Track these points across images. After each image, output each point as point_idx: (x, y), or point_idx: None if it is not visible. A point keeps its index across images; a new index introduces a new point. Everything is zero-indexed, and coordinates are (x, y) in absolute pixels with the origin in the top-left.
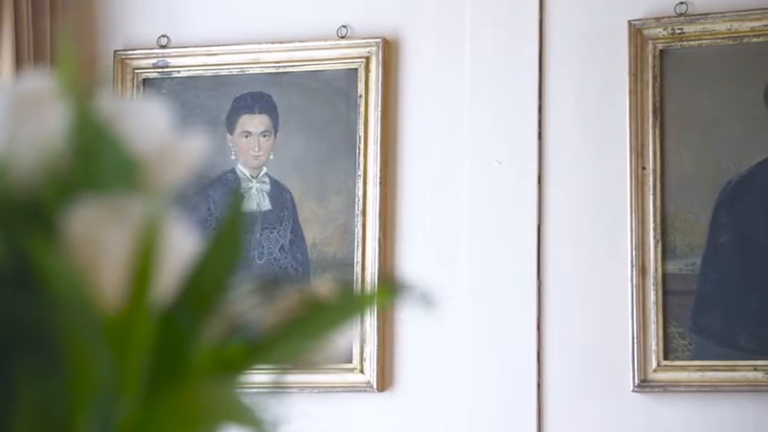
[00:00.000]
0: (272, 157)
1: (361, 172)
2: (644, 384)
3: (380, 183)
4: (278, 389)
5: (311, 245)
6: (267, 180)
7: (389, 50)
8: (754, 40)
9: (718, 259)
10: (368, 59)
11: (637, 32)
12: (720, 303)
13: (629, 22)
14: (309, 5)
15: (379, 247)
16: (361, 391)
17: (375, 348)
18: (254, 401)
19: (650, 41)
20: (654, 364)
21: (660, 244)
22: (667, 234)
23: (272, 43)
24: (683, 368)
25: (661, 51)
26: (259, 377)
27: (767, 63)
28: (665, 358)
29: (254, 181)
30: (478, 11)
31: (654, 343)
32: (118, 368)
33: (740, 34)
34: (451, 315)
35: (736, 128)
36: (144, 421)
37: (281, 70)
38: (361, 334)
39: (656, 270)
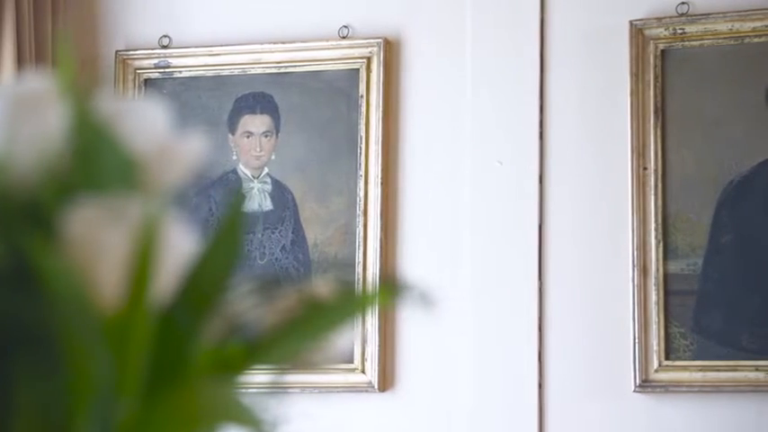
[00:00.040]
0: (273, 157)
1: (362, 172)
2: (645, 384)
3: (382, 183)
4: (277, 389)
5: (312, 245)
6: (268, 180)
7: (391, 51)
8: (756, 40)
9: (719, 259)
10: (369, 60)
11: (638, 32)
12: (722, 303)
13: (631, 22)
14: (311, 6)
15: (381, 247)
16: (362, 391)
17: (376, 348)
18: (253, 401)
19: (652, 41)
20: (655, 365)
21: (661, 244)
22: (669, 234)
23: (274, 43)
24: (685, 368)
25: (662, 51)
26: (258, 377)
27: None
28: (667, 358)
29: (255, 181)
30: (480, 11)
31: (655, 343)
32: (117, 368)
33: (741, 34)
34: (453, 315)
35: (738, 128)
36: (143, 421)
37: (282, 70)
38: (363, 334)
39: (657, 270)
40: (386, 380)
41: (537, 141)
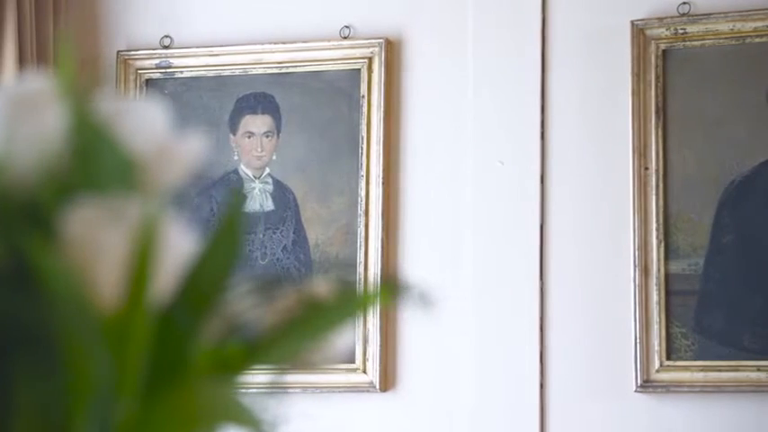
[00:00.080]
0: (274, 157)
1: (363, 172)
2: (647, 384)
3: (383, 183)
4: (277, 389)
5: (314, 245)
6: (270, 180)
7: (392, 51)
8: (757, 40)
9: (721, 259)
10: (370, 60)
11: (639, 32)
12: (723, 303)
13: (632, 22)
14: (312, 6)
15: (382, 247)
16: (363, 391)
17: (378, 348)
18: (253, 401)
19: (653, 41)
20: (657, 365)
21: (663, 244)
22: (670, 234)
23: (275, 44)
24: (686, 368)
25: (664, 51)
26: (258, 377)
27: None
28: (668, 358)
29: (256, 181)
30: (481, 11)
31: (657, 343)
32: (116, 368)
33: (743, 34)
34: (454, 315)
35: (739, 128)
36: (142, 421)
37: (283, 71)
38: (364, 334)
39: (658, 270)
40: (387, 380)
41: (538, 141)
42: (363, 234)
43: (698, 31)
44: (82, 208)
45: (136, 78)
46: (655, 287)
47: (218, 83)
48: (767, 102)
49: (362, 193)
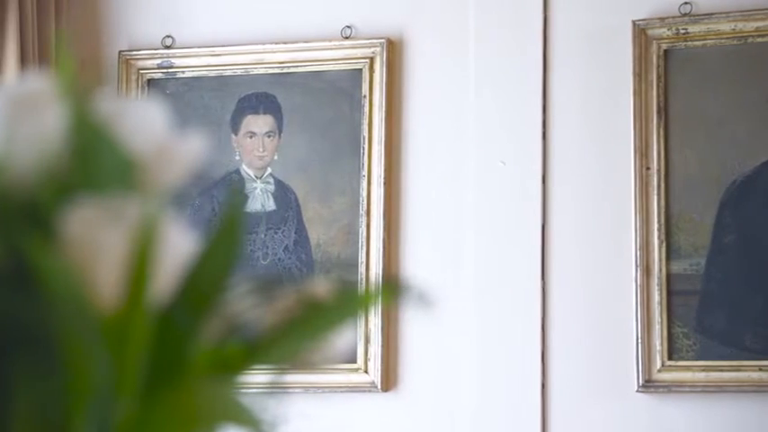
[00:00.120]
0: (276, 157)
1: (365, 172)
2: (648, 384)
3: (385, 183)
4: (277, 389)
5: (315, 245)
6: (271, 180)
7: (393, 51)
8: (759, 40)
9: (722, 259)
10: (372, 60)
11: (641, 32)
12: (725, 303)
13: (634, 22)
14: (313, 6)
15: (384, 247)
16: (365, 391)
17: (379, 348)
18: (252, 401)
19: (654, 41)
20: (658, 365)
21: (664, 244)
22: (672, 234)
23: (277, 44)
24: (688, 368)
25: (665, 51)
26: (258, 377)
27: None
28: (670, 358)
29: (258, 181)
30: (483, 11)
31: (658, 343)
32: (115, 368)
33: (745, 34)
34: (456, 315)
35: (741, 128)
36: (141, 421)
37: (285, 71)
38: (366, 334)
39: (660, 270)
40: (389, 380)
41: (540, 141)
42: (365, 234)
43: (699, 31)
44: (81, 208)
45: (137, 78)
46: (656, 287)
47: (220, 83)
48: None
49: (364, 193)
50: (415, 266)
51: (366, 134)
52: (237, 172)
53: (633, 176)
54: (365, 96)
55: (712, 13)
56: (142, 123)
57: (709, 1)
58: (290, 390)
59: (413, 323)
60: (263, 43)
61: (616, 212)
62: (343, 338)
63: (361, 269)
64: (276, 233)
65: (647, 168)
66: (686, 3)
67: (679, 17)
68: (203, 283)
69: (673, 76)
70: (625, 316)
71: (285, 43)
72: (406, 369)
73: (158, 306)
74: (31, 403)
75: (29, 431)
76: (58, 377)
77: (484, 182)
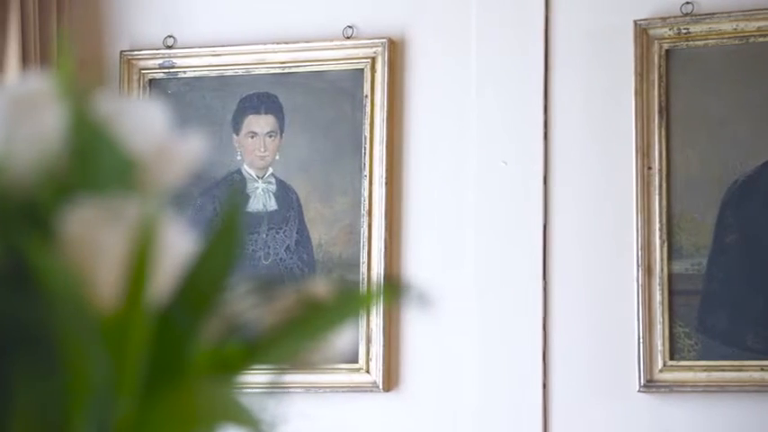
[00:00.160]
0: (277, 157)
1: (366, 172)
2: (650, 384)
3: (386, 183)
4: (276, 389)
5: (317, 245)
6: (273, 180)
7: (395, 51)
8: (761, 39)
9: (724, 259)
10: (373, 60)
11: (642, 32)
12: (727, 303)
13: (635, 21)
14: (315, 6)
15: (385, 247)
16: (366, 391)
17: (381, 348)
18: (252, 401)
19: (656, 41)
20: (660, 365)
21: (666, 244)
22: (673, 234)
23: (278, 44)
24: (689, 368)
25: (667, 51)
26: (257, 377)
27: None
28: (671, 358)
29: (259, 181)
30: (484, 10)
31: (660, 343)
32: (114, 368)
33: (746, 34)
34: (457, 315)
35: (743, 128)
36: (141, 421)
37: (286, 71)
38: (367, 334)
39: (661, 270)
40: (390, 380)
41: (541, 141)
42: (366, 234)
43: (701, 31)
44: (81, 208)
45: (139, 78)
46: (658, 287)
47: (222, 83)
48: None
49: (365, 193)
50: (416, 266)
51: (368, 134)
52: (239, 172)
53: (635, 176)
54: (367, 96)
55: (714, 13)
56: (142, 123)
57: (710, 1)
58: (291, 390)
59: (414, 323)
60: (265, 43)
61: (618, 212)
62: (344, 338)
63: (363, 269)
64: (278, 233)
65: (649, 168)
66: (688, 2)
67: (680, 17)
68: (203, 283)
69: (674, 75)
70: (626, 316)
71: (287, 43)
72: (408, 369)
73: (158, 306)
74: (31, 403)
75: (29, 431)
76: (58, 377)
77: (485, 182)
